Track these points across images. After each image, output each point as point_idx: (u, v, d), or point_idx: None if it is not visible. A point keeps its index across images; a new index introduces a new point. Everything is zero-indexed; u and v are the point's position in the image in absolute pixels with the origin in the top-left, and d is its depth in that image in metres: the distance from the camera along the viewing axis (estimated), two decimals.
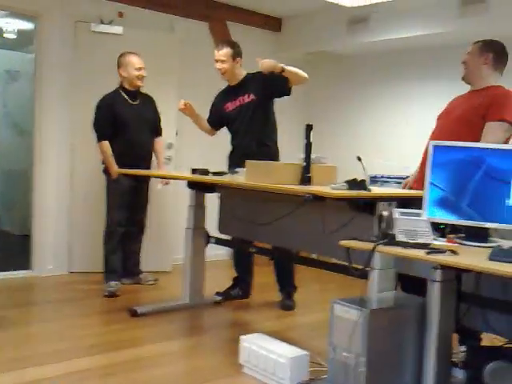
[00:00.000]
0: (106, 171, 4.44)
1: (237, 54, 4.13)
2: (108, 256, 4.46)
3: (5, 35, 6.46)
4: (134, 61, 4.40)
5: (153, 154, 4.67)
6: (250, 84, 4.14)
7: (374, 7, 5.18)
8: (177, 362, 3.20)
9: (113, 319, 3.91)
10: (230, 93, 4.24)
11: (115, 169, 4.31)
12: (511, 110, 3.05)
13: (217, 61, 4.13)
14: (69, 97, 4.99)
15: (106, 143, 4.35)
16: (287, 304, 4.27)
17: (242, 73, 4.20)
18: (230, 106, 4.22)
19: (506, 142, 3.07)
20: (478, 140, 2.98)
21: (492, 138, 2.97)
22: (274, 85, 4.00)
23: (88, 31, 4.97)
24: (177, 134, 5.29)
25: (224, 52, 4.10)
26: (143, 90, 4.59)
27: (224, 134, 5.77)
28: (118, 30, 5.06)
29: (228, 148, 4.43)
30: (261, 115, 4.13)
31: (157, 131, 4.65)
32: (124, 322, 3.76)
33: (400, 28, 5.17)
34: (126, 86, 4.43)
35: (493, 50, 3.21)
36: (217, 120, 4.35)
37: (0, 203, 6.84)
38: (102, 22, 5.03)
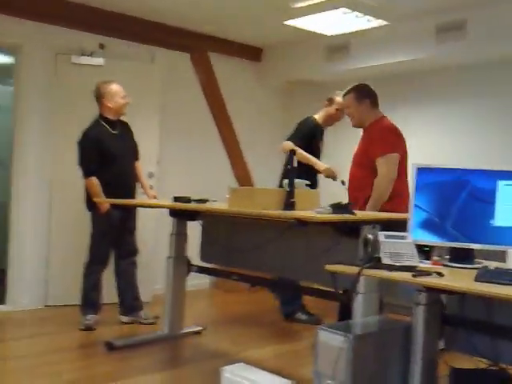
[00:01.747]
0: (93, 207, 4.28)
1: None
2: (87, 290, 4.30)
3: None
4: (119, 89, 4.35)
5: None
6: None
7: (353, 35, 5.28)
8: None
9: (89, 353, 3.81)
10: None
11: (105, 203, 4.20)
12: (387, 142, 3.57)
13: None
14: (49, 130, 4.95)
15: (95, 179, 4.22)
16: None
17: None
18: None
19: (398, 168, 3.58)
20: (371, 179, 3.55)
21: (383, 171, 3.52)
22: None
23: (68, 63, 4.95)
24: (158, 163, 5.26)
25: None
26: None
27: (202, 166, 5.79)
28: (98, 61, 5.05)
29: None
30: None
31: (137, 157, 4.59)
32: (101, 356, 3.66)
33: (378, 55, 5.25)
34: (109, 115, 4.34)
35: (367, 96, 3.73)
36: None
37: None
38: (82, 54, 5.02)
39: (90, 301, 4.30)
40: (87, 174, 4.24)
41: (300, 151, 4.26)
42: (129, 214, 4.42)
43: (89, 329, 4.20)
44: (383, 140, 3.60)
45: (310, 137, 4.46)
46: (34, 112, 4.90)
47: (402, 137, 3.70)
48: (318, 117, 4.59)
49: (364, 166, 3.64)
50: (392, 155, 3.57)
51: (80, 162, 4.26)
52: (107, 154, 4.25)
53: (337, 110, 4.54)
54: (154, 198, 4.54)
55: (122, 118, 4.45)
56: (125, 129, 4.48)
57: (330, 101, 4.57)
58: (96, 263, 4.32)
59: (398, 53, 5.11)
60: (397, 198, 3.55)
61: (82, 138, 4.26)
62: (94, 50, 5.09)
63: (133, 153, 4.53)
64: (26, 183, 4.90)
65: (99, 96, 4.34)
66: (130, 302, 4.47)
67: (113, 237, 4.33)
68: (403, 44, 5.06)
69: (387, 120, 3.75)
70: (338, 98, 4.43)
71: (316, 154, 4.47)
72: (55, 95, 4.95)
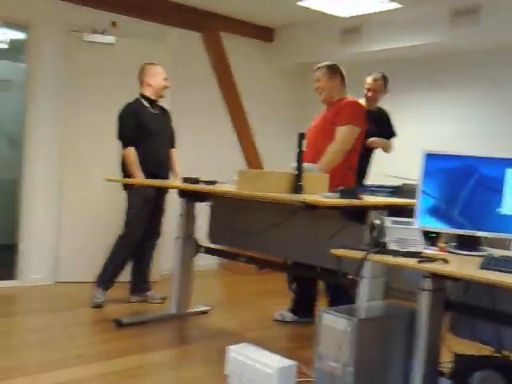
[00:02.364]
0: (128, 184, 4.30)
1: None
2: (111, 264, 4.28)
3: None
4: (162, 71, 4.40)
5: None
6: None
7: (367, 18, 5.22)
8: (162, 373, 3.14)
9: (98, 329, 3.85)
10: None
11: (140, 177, 4.21)
12: (354, 114, 3.72)
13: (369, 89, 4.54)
14: (60, 106, 4.96)
15: (133, 150, 4.25)
16: None
17: None
18: None
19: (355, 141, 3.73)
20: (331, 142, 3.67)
21: (341, 138, 3.64)
22: None
23: (80, 41, 4.96)
24: None
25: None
26: None
27: (212, 147, 5.79)
28: (110, 39, 5.04)
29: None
30: None
31: (173, 143, 4.60)
32: (110, 333, 3.70)
33: (392, 39, 5.18)
34: (149, 95, 4.37)
35: (338, 73, 3.86)
36: None
37: None
38: (94, 32, 5.02)
39: (109, 276, 4.29)
40: (126, 143, 4.27)
41: None
42: (161, 194, 4.42)
43: (98, 307, 4.23)
44: (352, 111, 3.74)
45: None
46: (45, 89, 4.90)
47: (365, 116, 3.86)
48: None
49: (328, 132, 3.72)
50: (354, 127, 3.70)
51: (119, 134, 4.30)
52: (144, 129, 4.27)
53: (368, 90, 4.52)
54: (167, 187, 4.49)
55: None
56: (165, 114, 4.53)
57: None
58: (130, 239, 4.29)
59: (411, 36, 5.04)
60: (350, 171, 3.73)
61: (121, 111, 4.30)
62: (105, 28, 5.07)
63: (168, 136, 4.54)
64: (38, 160, 4.92)
65: (142, 74, 4.38)
66: (140, 283, 4.51)
67: (147, 214, 4.32)
68: (417, 28, 4.99)
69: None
70: (367, 79, 4.49)
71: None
72: (67, 73, 4.95)
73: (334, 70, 3.87)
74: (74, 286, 4.78)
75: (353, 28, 5.44)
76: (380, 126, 4.47)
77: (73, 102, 4.96)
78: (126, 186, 4.33)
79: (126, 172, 4.30)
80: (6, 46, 6.49)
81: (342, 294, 3.77)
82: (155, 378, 3.05)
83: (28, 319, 4.03)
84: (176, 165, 4.58)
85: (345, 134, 3.68)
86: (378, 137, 4.42)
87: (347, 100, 3.83)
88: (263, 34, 6.21)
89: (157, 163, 4.37)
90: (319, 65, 3.91)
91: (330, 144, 3.69)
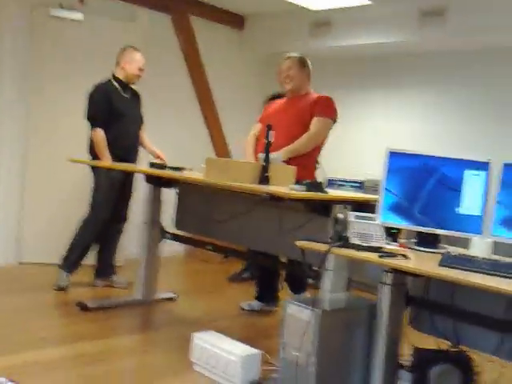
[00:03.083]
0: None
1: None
2: (79, 249, 4.24)
3: None
4: (140, 59, 4.35)
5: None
6: None
7: (337, 12, 5.24)
8: (127, 358, 3.16)
9: (63, 312, 3.86)
10: None
11: (108, 160, 4.17)
12: (331, 108, 3.73)
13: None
14: (23, 84, 4.85)
15: (101, 131, 4.19)
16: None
17: None
18: None
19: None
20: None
21: (315, 130, 3.65)
22: None
23: (46, 16, 4.83)
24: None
25: None
26: None
27: (178, 131, 5.76)
28: (78, 16, 4.92)
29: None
30: None
31: (141, 126, 4.57)
32: (74, 316, 3.70)
33: (360, 35, 5.26)
34: (122, 78, 4.33)
35: (308, 66, 3.86)
36: None
37: None
38: (61, 7, 4.88)
39: (73, 259, 4.25)
40: (95, 124, 4.21)
41: None
42: (128, 178, 4.39)
43: (62, 289, 4.21)
44: (328, 104, 3.74)
45: None
46: (8, 64, 4.78)
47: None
48: None
49: (308, 125, 3.71)
50: (329, 121, 3.72)
51: (88, 114, 4.24)
52: (114, 112, 4.23)
53: None
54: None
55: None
56: (135, 97, 4.49)
57: None
58: (95, 222, 4.25)
59: (379, 34, 5.12)
60: (311, 166, 3.76)
61: (92, 91, 4.24)
62: (73, 4, 4.93)
63: (138, 119, 4.50)
64: (1, 139, 4.81)
65: (120, 56, 4.33)
66: (105, 266, 4.50)
67: (114, 197, 4.29)
68: (385, 25, 5.06)
69: None
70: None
71: None
72: (31, 48, 4.83)
73: (304, 62, 3.87)
74: (38, 267, 4.73)
75: (322, 21, 5.46)
76: None
77: (37, 79, 4.85)
78: (93, 168, 4.29)
79: (94, 153, 4.26)
80: None
81: (299, 283, 3.91)
82: (120, 363, 3.07)
83: None
84: (150, 145, 4.56)
85: (321, 127, 3.69)
86: None
87: (321, 95, 3.82)
88: (234, 20, 6.16)
89: (125, 147, 4.34)
90: (290, 54, 3.90)
91: (305, 134, 3.68)
